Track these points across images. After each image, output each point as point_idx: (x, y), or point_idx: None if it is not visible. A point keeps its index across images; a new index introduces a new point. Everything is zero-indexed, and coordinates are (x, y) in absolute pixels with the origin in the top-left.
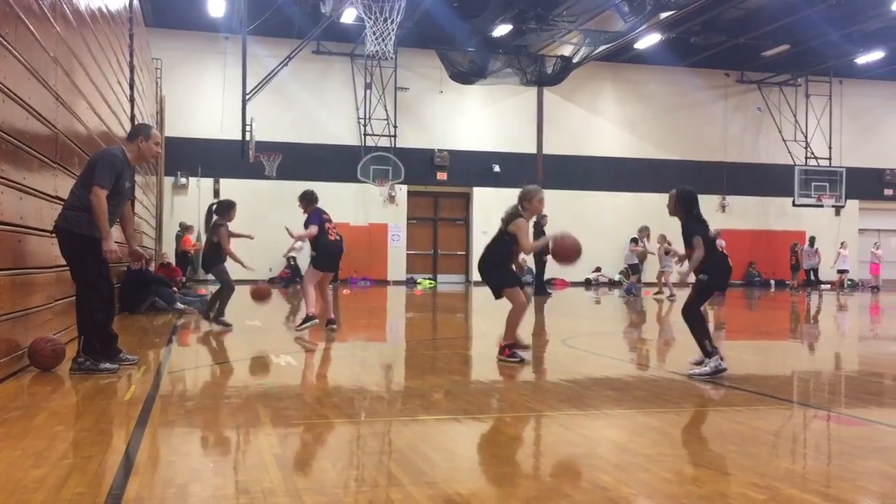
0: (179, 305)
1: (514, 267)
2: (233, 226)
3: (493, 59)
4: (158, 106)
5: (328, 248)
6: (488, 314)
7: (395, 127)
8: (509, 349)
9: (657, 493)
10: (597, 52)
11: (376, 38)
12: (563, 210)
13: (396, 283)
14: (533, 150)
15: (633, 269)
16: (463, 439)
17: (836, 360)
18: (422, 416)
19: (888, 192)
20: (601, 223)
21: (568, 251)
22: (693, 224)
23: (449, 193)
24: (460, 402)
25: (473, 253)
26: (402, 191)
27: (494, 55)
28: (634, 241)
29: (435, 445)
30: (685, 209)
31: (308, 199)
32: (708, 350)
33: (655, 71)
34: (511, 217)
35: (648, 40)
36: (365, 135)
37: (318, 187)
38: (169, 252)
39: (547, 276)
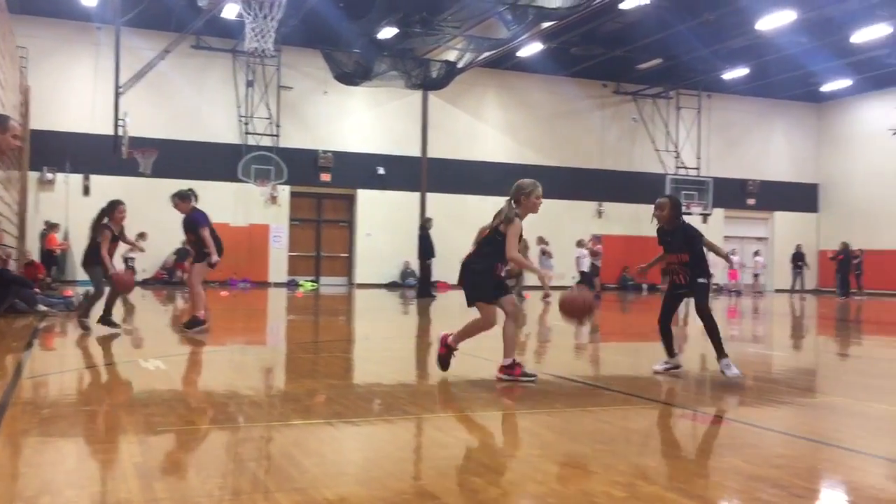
0: (41, 307)
1: (501, 273)
2: (131, 232)
3: (378, 62)
4: (22, 97)
5: (220, 247)
6: (371, 317)
7: (277, 126)
8: (518, 367)
9: (524, 494)
10: (481, 58)
11: (256, 35)
12: (447, 214)
13: (277, 285)
14: (418, 153)
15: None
16: (335, 444)
17: (701, 360)
18: (295, 421)
19: (750, 201)
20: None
21: (576, 307)
22: (692, 229)
23: (333, 195)
24: (335, 406)
25: (357, 255)
26: (284, 191)
27: (380, 57)
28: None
29: (306, 450)
30: (677, 216)
31: (188, 198)
32: (724, 351)
33: (537, 79)
34: (506, 216)
35: (530, 49)
36: (246, 133)
37: (197, 186)
38: (33, 251)
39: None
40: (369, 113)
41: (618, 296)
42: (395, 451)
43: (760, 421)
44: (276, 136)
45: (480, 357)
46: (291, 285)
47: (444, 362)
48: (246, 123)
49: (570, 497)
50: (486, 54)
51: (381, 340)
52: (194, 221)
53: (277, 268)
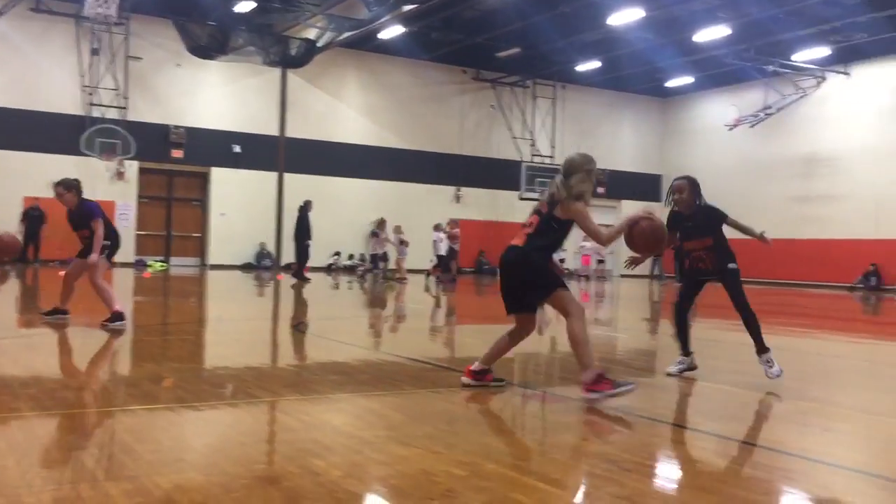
0: None
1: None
2: None
3: (235, 36)
4: None
5: (117, 237)
6: (224, 299)
7: (125, 98)
8: (603, 379)
9: (366, 475)
10: (341, 38)
11: (98, 1)
12: (306, 195)
13: (124, 265)
14: (275, 132)
15: (374, 260)
16: (174, 430)
17: (552, 342)
18: (133, 407)
19: (601, 190)
20: (342, 209)
21: (651, 236)
22: (716, 209)
23: (185, 172)
24: (178, 390)
25: (210, 235)
26: (132, 167)
27: (237, 31)
28: (375, 234)
29: (142, 437)
30: (697, 197)
31: (75, 188)
32: (765, 345)
33: (398, 62)
34: (563, 197)
35: (392, 31)
36: (91, 104)
37: (35, 158)
38: None
39: (289, 259)
40: (225, 88)
41: (474, 279)
42: (238, 435)
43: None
44: (124, 108)
45: (334, 340)
46: (139, 265)
47: (626, 384)
48: (90, 94)
49: (411, 477)
50: (347, 34)
51: (234, 323)
52: (90, 214)
53: (124, 247)
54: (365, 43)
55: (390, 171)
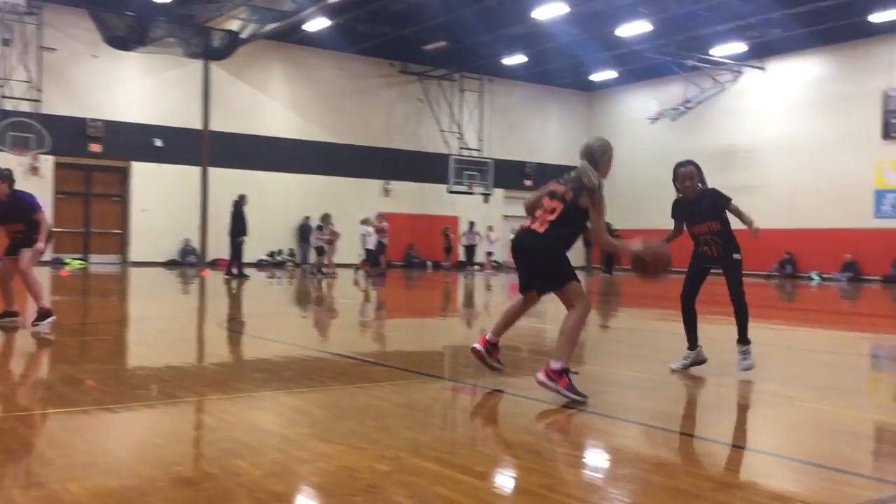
0: None
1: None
2: None
3: (154, 27)
4: None
5: (49, 230)
6: (147, 297)
7: (39, 91)
8: (566, 376)
9: (288, 473)
10: (265, 30)
11: None
12: (231, 190)
13: (41, 263)
14: (199, 125)
15: (319, 252)
16: (88, 433)
17: (480, 334)
18: (46, 410)
19: (528, 182)
20: (269, 203)
21: (658, 264)
22: (721, 193)
23: (104, 167)
24: (94, 392)
25: (132, 231)
26: (47, 161)
27: (156, 22)
28: (320, 228)
29: (53, 442)
30: (702, 182)
31: (10, 179)
32: (747, 338)
33: (325, 55)
34: (583, 186)
35: (317, 24)
36: (2, 97)
37: None
38: None
39: (213, 255)
40: (145, 81)
41: (403, 273)
42: (155, 437)
43: (523, 391)
44: (38, 101)
45: (259, 337)
46: (56, 263)
47: (578, 394)
48: (1, 86)
49: (333, 473)
50: (271, 26)
51: (156, 321)
52: (29, 207)
53: None
54: (290, 35)
55: (318, 165)
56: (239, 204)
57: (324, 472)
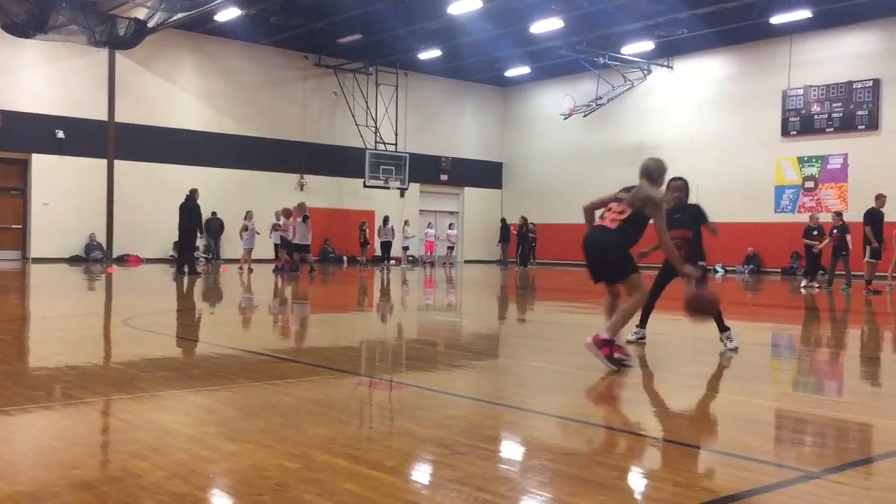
0: None
1: None
2: None
3: (55, 13)
4: None
5: None
6: (49, 294)
7: None
8: (612, 347)
9: (192, 474)
10: (174, 19)
11: None
12: (139, 183)
13: None
14: (104, 117)
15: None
16: None
17: (397, 330)
18: None
19: (444, 177)
20: (178, 198)
21: (706, 307)
22: (702, 208)
23: (2, 159)
24: None
25: (32, 226)
26: None
27: (57, 8)
28: (246, 228)
29: None
30: (687, 195)
31: None
32: (725, 326)
33: (237, 46)
34: (648, 198)
35: (228, 13)
36: None
37: None
38: None
39: (120, 251)
40: (46, 69)
41: (319, 268)
42: (52, 440)
43: (435, 385)
44: None
45: (167, 334)
46: None
47: (619, 362)
48: None
49: (240, 473)
50: (180, 15)
51: (59, 320)
52: None
53: None
54: (201, 25)
55: (230, 159)
56: (192, 198)
57: (230, 472)
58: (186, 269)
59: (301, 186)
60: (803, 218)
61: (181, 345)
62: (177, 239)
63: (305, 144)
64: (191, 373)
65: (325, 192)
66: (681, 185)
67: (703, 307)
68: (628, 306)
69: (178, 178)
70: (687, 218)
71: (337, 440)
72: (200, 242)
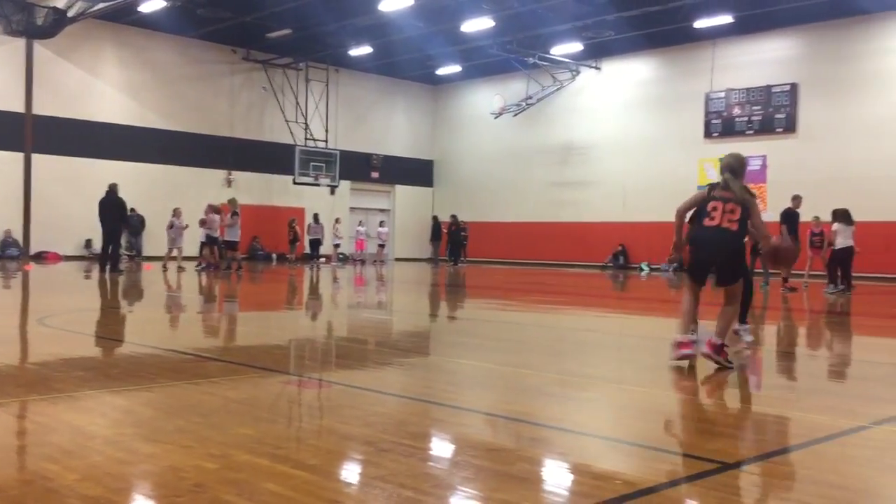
0: None
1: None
2: None
3: None
4: None
5: None
6: None
7: None
8: (722, 351)
9: (106, 476)
10: (95, 9)
11: None
12: (58, 178)
13: None
14: (21, 109)
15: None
16: None
17: (326, 328)
18: None
19: (375, 175)
20: (98, 193)
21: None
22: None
23: None
24: None
25: None
26: None
27: None
28: (171, 226)
29: None
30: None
31: None
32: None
33: (162, 38)
34: (748, 194)
35: (152, 4)
36: None
37: None
38: None
39: (38, 248)
40: None
41: (248, 266)
42: None
43: (362, 383)
44: None
45: (85, 333)
46: None
47: (726, 362)
48: None
49: (156, 475)
50: (102, 5)
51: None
52: None
53: None
54: (123, 16)
55: (154, 154)
56: (112, 193)
57: (146, 474)
58: (109, 267)
59: (229, 182)
60: None
61: (100, 344)
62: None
63: (233, 140)
64: (109, 373)
65: (254, 188)
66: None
67: (783, 257)
68: (732, 309)
69: (99, 173)
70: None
71: (259, 439)
72: (123, 239)
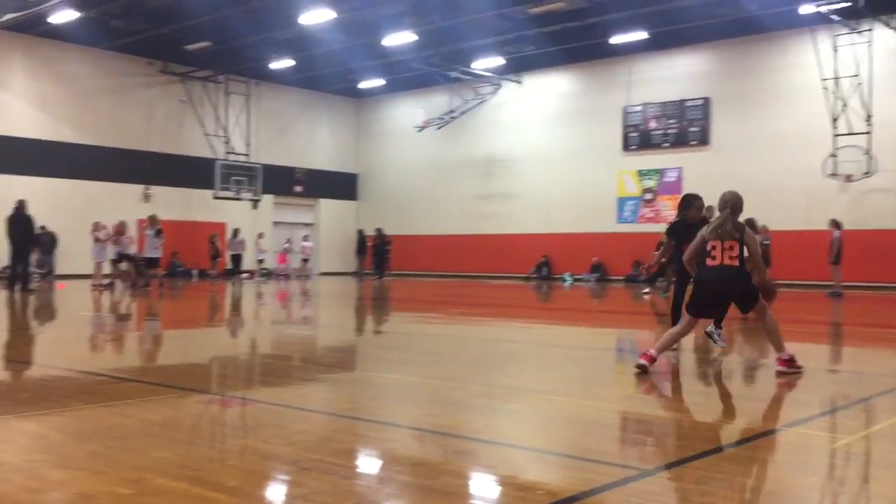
0: None
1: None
2: None
3: None
4: None
5: None
6: None
7: None
8: (790, 361)
9: None
10: (3, 19)
11: None
12: None
13: None
14: None
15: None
16: None
17: (249, 345)
18: None
19: (298, 188)
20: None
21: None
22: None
23: None
24: None
25: None
26: None
27: None
28: (97, 240)
29: None
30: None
31: None
32: (721, 325)
33: (75, 50)
34: (744, 231)
35: (64, 16)
36: None
37: None
38: None
39: None
40: None
41: (168, 283)
42: None
43: (286, 400)
44: None
45: None
46: None
47: (797, 370)
48: None
49: (67, 502)
50: (10, 16)
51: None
52: None
53: None
54: (33, 27)
55: (67, 168)
56: (20, 209)
57: (57, 502)
58: (19, 286)
59: (146, 197)
60: (644, 228)
61: (8, 367)
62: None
63: (151, 154)
64: (17, 397)
65: (173, 203)
66: (701, 205)
67: (768, 292)
68: (771, 325)
69: (7, 189)
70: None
71: (177, 462)
72: (33, 257)
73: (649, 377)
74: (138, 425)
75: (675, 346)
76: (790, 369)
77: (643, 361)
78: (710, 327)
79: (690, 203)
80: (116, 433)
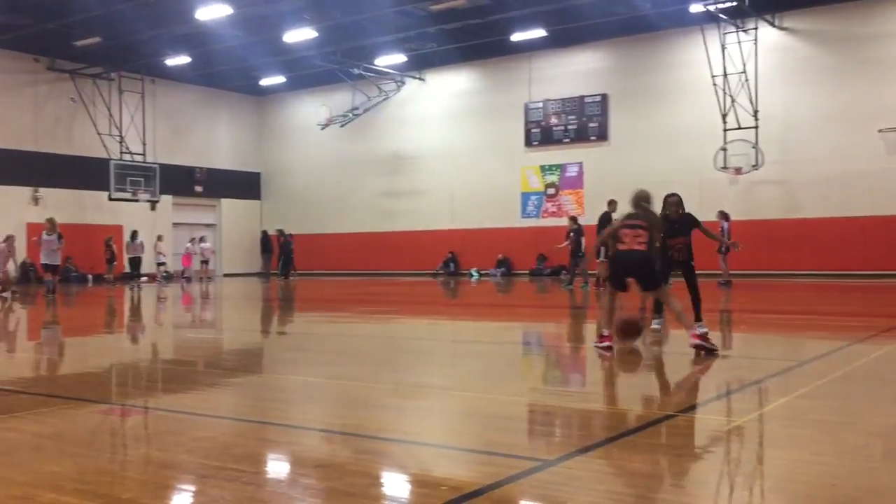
0: None
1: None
2: None
3: None
4: None
5: None
6: None
7: None
8: (703, 336)
9: None
10: None
11: None
12: None
13: None
14: None
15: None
16: None
17: (148, 350)
18: None
19: (199, 188)
20: None
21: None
22: (694, 217)
23: None
24: None
25: None
26: None
27: None
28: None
29: None
30: (682, 206)
31: None
32: (700, 317)
33: None
34: (654, 221)
35: None
36: None
37: None
38: None
39: None
40: None
41: (61, 289)
42: None
43: (186, 407)
44: None
45: None
46: None
47: (711, 345)
48: None
49: None
50: None
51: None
52: None
53: None
54: None
55: None
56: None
57: None
58: None
59: (36, 200)
60: (547, 222)
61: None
62: None
63: (39, 154)
64: None
65: (65, 205)
66: (677, 200)
67: (629, 330)
68: (677, 308)
69: None
70: (685, 226)
71: (68, 476)
72: None
73: (564, 368)
74: (27, 439)
75: (657, 320)
76: (706, 343)
77: (606, 343)
78: (658, 322)
79: (666, 201)
80: (2, 448)
